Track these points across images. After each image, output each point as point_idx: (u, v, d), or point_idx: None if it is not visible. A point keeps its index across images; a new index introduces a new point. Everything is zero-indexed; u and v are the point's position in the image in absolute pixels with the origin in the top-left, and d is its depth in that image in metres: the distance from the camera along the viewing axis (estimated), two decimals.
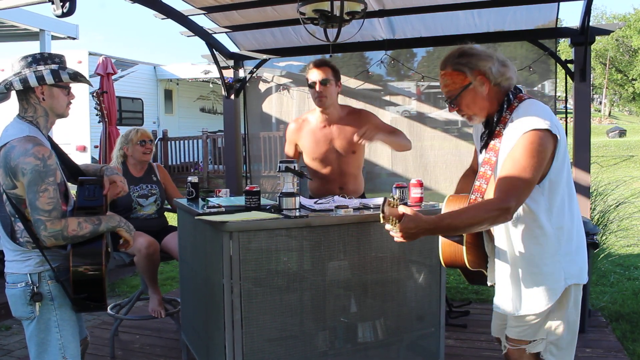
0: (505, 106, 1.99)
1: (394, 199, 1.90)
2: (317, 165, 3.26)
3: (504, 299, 2.07)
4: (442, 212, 2.08)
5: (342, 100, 5.08)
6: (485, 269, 2.20)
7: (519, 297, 2.02)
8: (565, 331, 2.03)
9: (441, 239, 2.13)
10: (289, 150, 3.37)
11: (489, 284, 2.22)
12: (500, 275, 2.08)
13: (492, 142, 2.01)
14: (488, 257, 2.18)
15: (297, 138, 3.30)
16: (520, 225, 1.98)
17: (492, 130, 2.02)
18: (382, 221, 1.90)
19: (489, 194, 1.96)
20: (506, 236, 2.03)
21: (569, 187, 1.99)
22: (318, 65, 3.08)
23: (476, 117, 2.06)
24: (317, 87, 3.05)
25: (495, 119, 2.01)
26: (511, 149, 1.89)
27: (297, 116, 3.57)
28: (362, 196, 3.33)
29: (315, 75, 3.06)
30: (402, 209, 1.90)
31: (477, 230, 2.00)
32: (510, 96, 2.00)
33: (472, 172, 2.30)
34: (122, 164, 3.88)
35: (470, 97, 2.01)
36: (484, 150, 2.06)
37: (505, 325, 2.16)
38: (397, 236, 1.92)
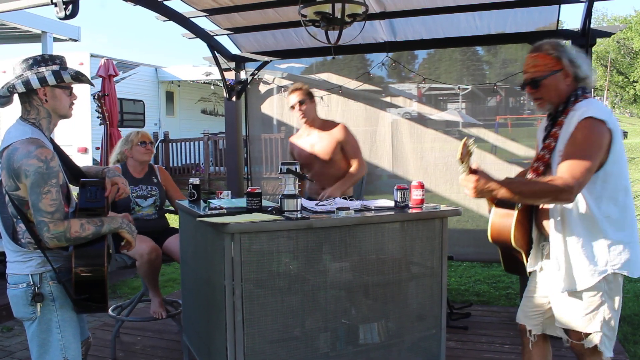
0: (572, 99, 2.17)
1: (470, 141, 2.02)
2: (303, 168, 3.68)
3: (552, 276, 2.20)
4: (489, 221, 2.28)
5: (344, 102, 5.12)
6: (527, 252, 2.31)
7: (566, 275, 2.14)
8: (615, 320, 2.16)
9: (493, 212, 2.28)
10: (291, 158, 3.85)
11: (528, 270, 2.33)
12: (553, 252, 2.19)
13: (553, 130, 2.18)
14: (533, 244, 2.31)
15: (293, 148, 3.86)
16: (571, 207, 2.11)
17: (555, 119, 2.19)
18: (458, 157, 2.03)
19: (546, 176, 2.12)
20: (557, 216, 2.16)
21: (624, 182, 2.11)
22: (292, 91, 3.70)
23: (548, 104, 2.23)
24: (297, 108, 3.67)
25: (561, 109, 2.18)
26: (571, 135, 2.06)
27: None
28: (352, 197, 3.57)
29: (293, 99, 3.68)
30: (475, 167, 2.06)
31: (537, 203, 2.17)
32: (579, 92, 2.17)
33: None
34: (121, 165, 3.90)
35: (553, 82, 2.18)
36: (544, 136, 2.22)
37: (540, 312, 2.31)
38: (469, 186, 2.04)
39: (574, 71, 2.16)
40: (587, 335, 2.14)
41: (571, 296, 2.15)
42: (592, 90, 2.27)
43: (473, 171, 2.05)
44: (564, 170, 2.01)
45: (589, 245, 2.10)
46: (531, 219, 2.29)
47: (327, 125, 3.77)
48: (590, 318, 2.13)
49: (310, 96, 3.71)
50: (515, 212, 2.21)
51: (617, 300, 2.15)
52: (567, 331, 2.21)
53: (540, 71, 2.19)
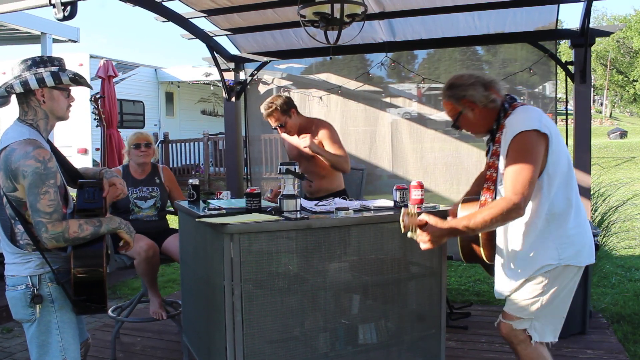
0: (502, 115, 2.24)
1: (410, 209, 2.17)
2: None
3: (499, 281, 2.31)
4: (459, 216, 2.34)
5: (343, 102, 5.11)
6: None
7: (510, 273, 2.24)
8: (553, 309, 2.21)
9: (459, 238, 2.36)
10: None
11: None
12: (498, 260, 2.32)
13: (494, 147, 2.26)
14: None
15: (284, 143, 3.93)
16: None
17: (493, 137, 2.28)
18: (403, 230, 2.15)
19: (498, 194, 2.21)
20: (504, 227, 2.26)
21: (567, 177, 2.17)
22: (267, 115, 3.64)
23: (478, 134, 2.37)
24: (280, 131, 3.71)
25: (495, 128, 2.27)
26: (507, 153, 2.13)
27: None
28: (340, 193, 3.66)
29: (271, 123, 3.66)
30: (424, 217, 2.16)
31: (493, 229, 2.21)
32: (506, 106, 2.25)
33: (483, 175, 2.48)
34: (123, 166, 3.90)
35: (465, 121, 2.32)
36: (489, 154, 2.29)
37: None
38: (424, 242, 2.16)
39: (473, 104, 2.25)
40: (519, 317, 2.23)
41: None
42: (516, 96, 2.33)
43: (422, 225, 2.15)
44: (507, 189, 2.07)
45: (534, 244, 2.17)
46: (494, 232, 2.34)
47: (307, 124, 3.75)
48: (527, 305, 2.20)
49: (286, 111, 3.63)
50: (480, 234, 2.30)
51: (561, 289, 2.19)
52: (503, 312, 2.32)
53: (450, 116, 2.34)
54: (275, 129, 3.68)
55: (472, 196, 2.45)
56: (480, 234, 2.29)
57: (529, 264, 2.18)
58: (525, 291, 2.20)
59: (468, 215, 2.14)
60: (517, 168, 2.06)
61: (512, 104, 2.24)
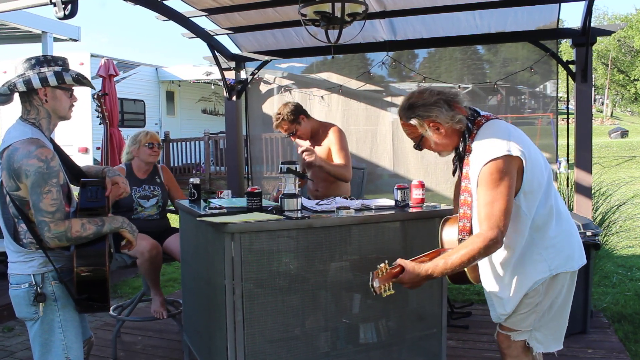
0: (467, 135, 2.08)
1: (379, 268, 1.96)
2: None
3: (494, 307, 2.21)
4: (443, 237, 2.26)
5: (344, 101, 5.11)
6: None
7: (502, 299, 2.14)
8: (552, 318, 2.13)
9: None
10: None
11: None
12: (487, 285, 2.21)
13: (465, 170, 2.10)
14: None
15: (296, 146, 3.90)
16: None
17: (461, 158, 2.12)
18: (375, 295, 1.96)
19: (474, 218, 2.08)
20: None
21: (546, 187, 2.05)
22: (276, 126, 3.66)
23: (444, 153, 2.19)
24: (293, 139, 3.76)
25: (461, 149, 2.11)
26: (478, 183, 1.99)
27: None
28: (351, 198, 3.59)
29: (282, 132, 3.68)
30: (399, 262, 2.02)
31: (471, 265, 2.08)
32: (469, 125, 2.08)
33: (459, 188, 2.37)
34: (126, 165, 3.90)
35: (429, 142, 2.14)
36: (459, 175, 2.17)
37: None
38: (406, 286, 2.02)
39: (435, 124, 2.07)
40: (517, 330, 2.15)
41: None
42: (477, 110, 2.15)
43: (400, 272, 1.99)
44: (482, 224, 1.97)
45: (521, 261, 2.07)
46: None
47: (318, 128, 3.76)
48: (523, 318, 2.12)
49: (295, 119, 3.63)
50: None
51: (558, 297, 2.10)
52: (500, 324, 2.23)
53: (412, 138, 2.17)
54: (289, 136, 3.69)
55: (454, 215, 2.32)
56: None
57: (521, 283, 2.08)
58: (521, 305, 2.10)
59: (445, 256, 2.00)
60: (489, 200, 1.94)
61: (475, 121, 2.08)
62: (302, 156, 3.40)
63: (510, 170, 1.95)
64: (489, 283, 2.20)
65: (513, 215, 1.98)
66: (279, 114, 3.64)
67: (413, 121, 2.09)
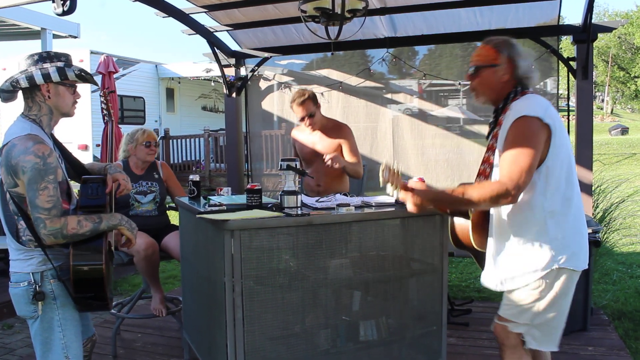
0: (511, 96, 2.15)
1: (393, 165, 2.15)
2: (302, 163, 3.82)
3: (488, 273, 2.24)
4: (450, 225, 2.32)
5: (344, 98, 5.10)
6: None
7: (502, 272, 2.16)
8: (551, 317, 2.12)
9: (451, 219, 2.32)
10: (293, 151, 3.88)
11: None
12: (490, 250, 2.23)
13: (495, 129, 2.17)
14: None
15: (295, 141, 3.86)
16: (515, 205, 2.07)
17: (496, 118, 2.18)
18: (381, 184, 2.10)
19: (493, 177, 2.13)
20: (497, 214, 2.17)
21: (568, 174, 2.07)
22: (301, 103, 3.56)
23: (482, 97, 2.23)
24: (307, 122, 3.61)
25: (500, 106, 2.17)
26: (506, 136, 2.04)
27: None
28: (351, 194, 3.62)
29: (301, 111, 3.57)
30: (412, 183, 2.16)
31: (479, 209, 2.15)
32: (518, 89, 2.15)
33: None
34: (123, 161, 3.89)
35: (489, 75, 2.17)
36: (489, 137, 2.22)
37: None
38: (409, 203, 2.14)
39: (511, 69, 2.14)
40: (515, 322, 2.17)
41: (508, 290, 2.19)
42: (535, 88, 2.25)
43: (409, 189, 2.14)
44: (502, 174, 2.00)
45: (529, 243, 2.08)
46: (487, 217, 2.26)
47: (330, 124, 3.76)
48: (522, 310, 2.13)
49: (316, 103, 3.64)
50: (471, 216, 2.24)
51: (559, 295, 2.09)
52: (499, 315, 2.25)
53: (481, 61, 2.19)
54: (302, 119, 3.60)
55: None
56: (471, 217, 2.22)
57: (523, 267, 2.08)
58: (521, 296, 2.11)
59: (456, 189, 2.07)
60: (515, 153, 1.96)
61: (523, 91, 2.15)
62: (331, 165, 3.41)
63: (538, 132, 1.98)
64: (491, 250, 2.22)
65: (529, 188, 2.00)
66: (305, 90, 3.63)
67: (500, 50, 2.14)
